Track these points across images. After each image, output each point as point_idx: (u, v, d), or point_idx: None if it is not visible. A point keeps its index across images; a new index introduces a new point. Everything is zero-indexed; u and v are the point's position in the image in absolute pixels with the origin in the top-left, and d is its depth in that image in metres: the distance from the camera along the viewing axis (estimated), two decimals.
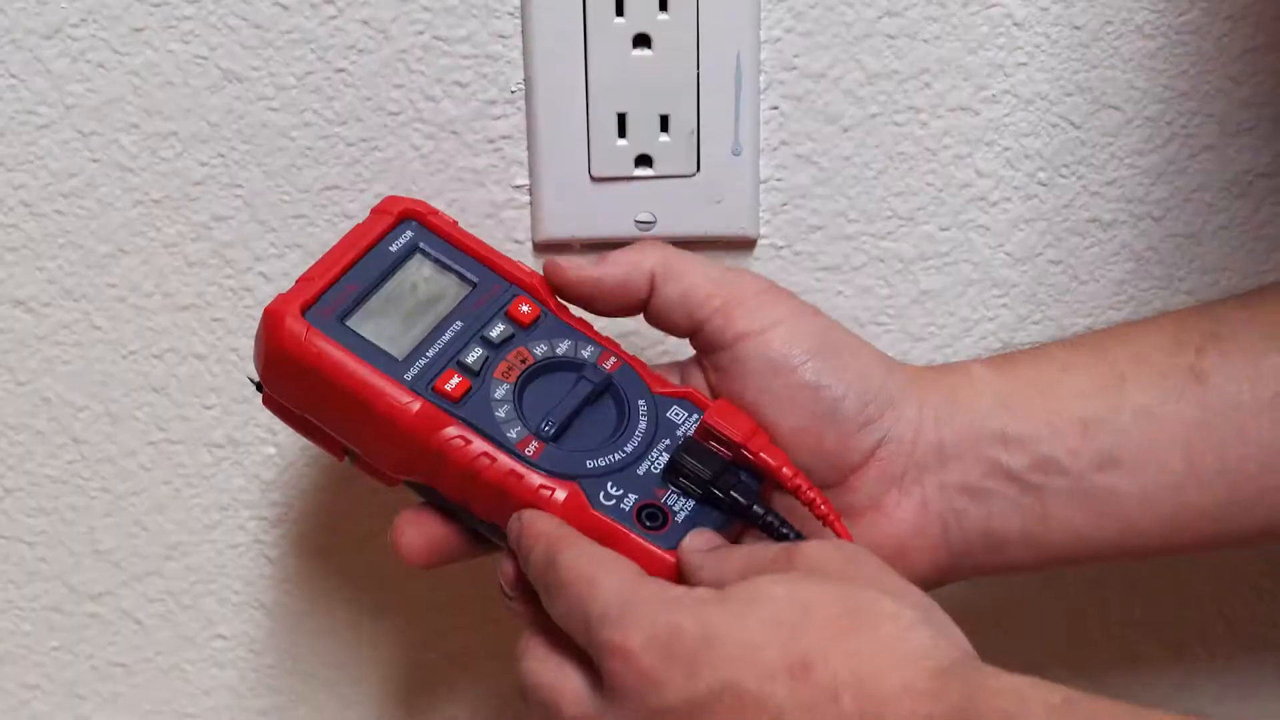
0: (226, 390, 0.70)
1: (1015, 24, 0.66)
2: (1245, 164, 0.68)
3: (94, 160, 0.66)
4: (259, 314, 0.68)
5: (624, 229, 0.67)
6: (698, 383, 0.59)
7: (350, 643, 0.75)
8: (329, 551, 0.73)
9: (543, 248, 0.68)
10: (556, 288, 0.59)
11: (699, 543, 0.54)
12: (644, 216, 0.67)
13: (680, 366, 0.61)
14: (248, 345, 0.69)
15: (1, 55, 0.65)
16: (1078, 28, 0.66)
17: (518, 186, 0.67)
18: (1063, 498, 0.58)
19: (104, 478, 0.71)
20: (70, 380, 0.70)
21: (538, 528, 0.54)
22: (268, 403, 0.58)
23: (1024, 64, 0.66)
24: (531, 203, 0.67)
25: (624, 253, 0.58)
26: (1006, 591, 0.74)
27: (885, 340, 0.70)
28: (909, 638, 0.48)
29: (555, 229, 0.67)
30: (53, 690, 0.75)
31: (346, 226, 0.67)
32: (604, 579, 0.51)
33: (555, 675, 0.53)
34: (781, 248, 0.69)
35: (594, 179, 0.66)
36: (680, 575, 0.54)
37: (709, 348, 0.58)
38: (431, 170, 0.67)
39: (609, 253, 0.58)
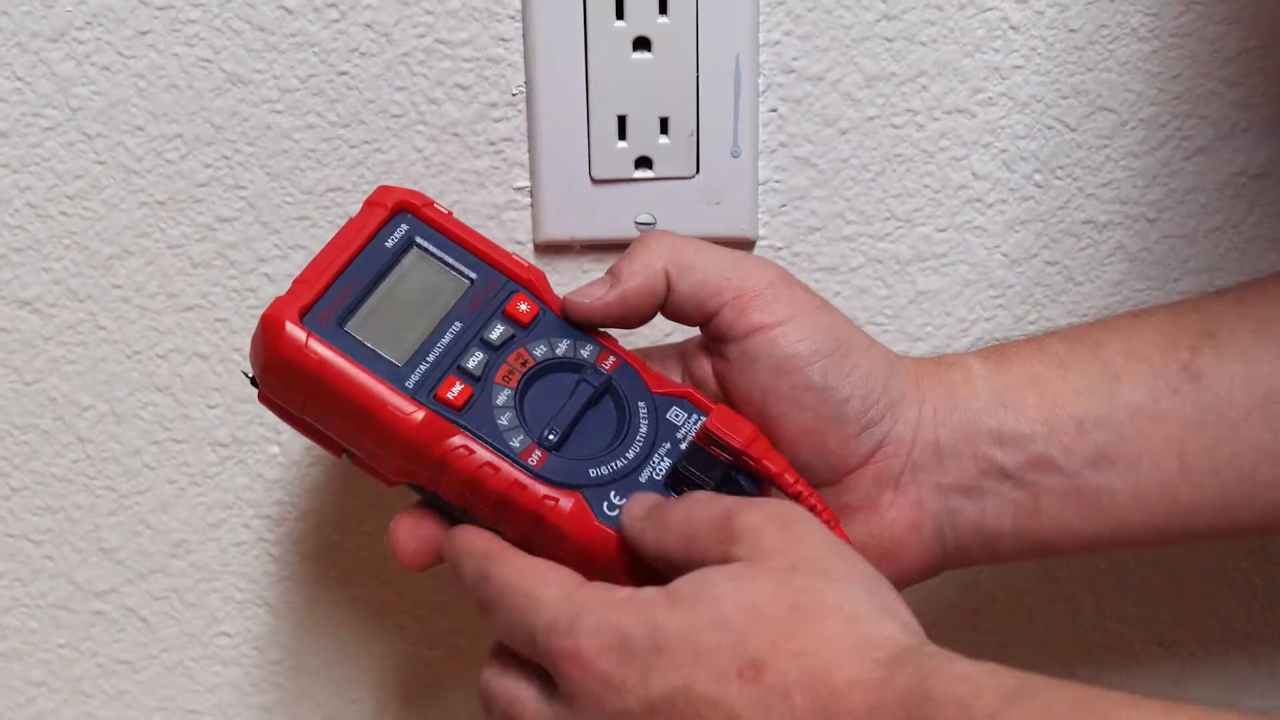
0: (230, 390, 0.70)
1: (1011, 27, 0.66)
2: (1239, 166, 0.69)
3: (99, 162, 0.67)
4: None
5: (624, 230, 0.67)
6: (701, 368, 0.59)
7: (353, 640, 0.75)
8: (332, 550, 0.73)
9: (544, 249, 0.68)
10: (581, 322, 0.58)
11: (637, 509, 0.54)
12: (644, 218, 0.68)
13: (680, 351, 0.60)
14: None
15: (7, 58, 0.65)
16: (1073, 31, 0.66)
17: (519, 188, 0.68)
18: (1055, 494, 0.58)
19: (109, 476, 0.72)
20: (76, 380, 0.70)
21: (465, 542, 0.54)
22: (263, 399, 0.57)
23: (1020, 67, 0.67)
24: (532, 204, 0.68)
25: (633, 259, 0.58)
26: (1001, 589, 0.74)
27: (883, 340, 0.69)
28: (855, 631, 0.48)
29: (556, 230, 0.67)
30: (58, 687, 0.75)
31: None
32: (543, 591, 0.52)
33: (513, 685, 0.53)
34: (780, 249, 0.69)
35: (594, 181, 0.67)
36: (624, 545, 0.54)
37: (719, 338, 0.58)
38: (434, 172, 0.67)
39: (617, 265, 0.58)
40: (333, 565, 0.74)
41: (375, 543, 0.73)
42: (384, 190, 0.59)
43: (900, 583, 0.58)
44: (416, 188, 0.67)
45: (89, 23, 0.65)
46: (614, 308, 0.57)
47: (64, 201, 0.67)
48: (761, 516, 0.51)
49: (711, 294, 0.57)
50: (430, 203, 0.59)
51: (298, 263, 0.68)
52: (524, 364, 0.57)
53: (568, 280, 0.69)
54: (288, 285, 0.68)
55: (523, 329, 0.57)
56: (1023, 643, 0.75)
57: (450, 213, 0.59)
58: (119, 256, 0.68)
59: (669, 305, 0.58)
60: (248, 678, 0.75)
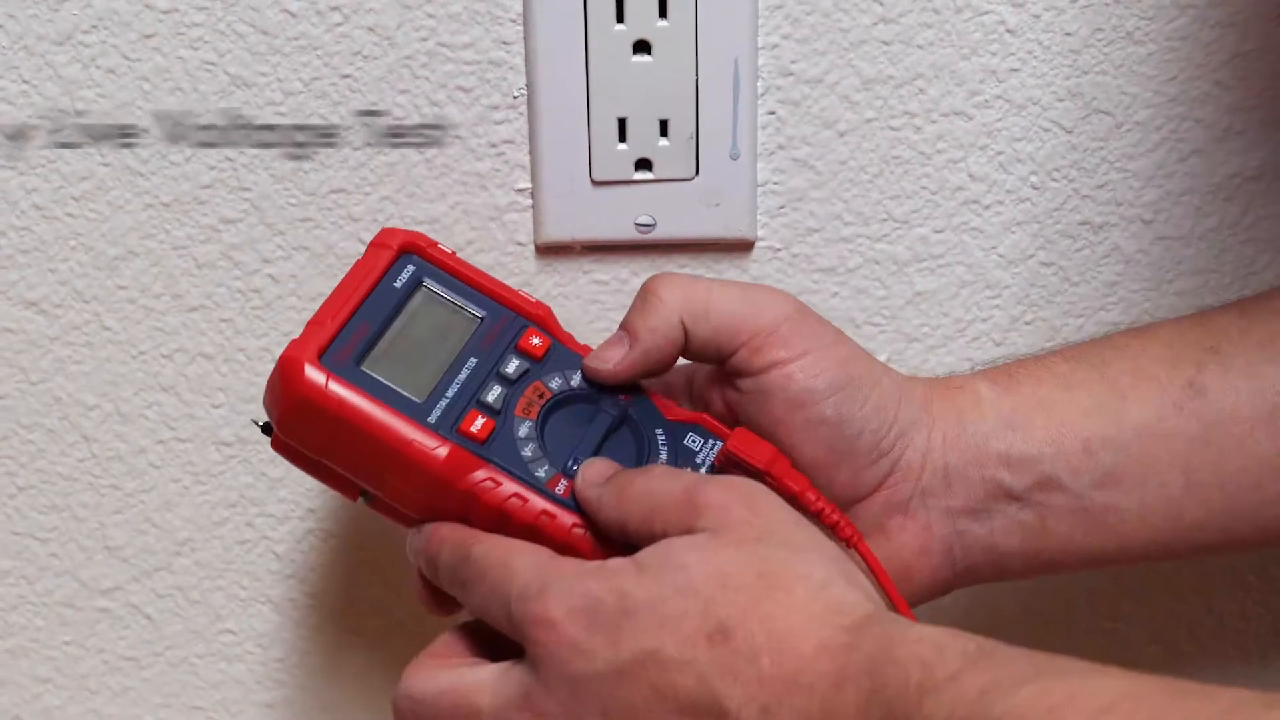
0: (234, 389, 0.71)
1: (1008, 30, 0.66)
2: (1233, 168, 0.69)
3: (104, 164, 0.67)
4: (266, 315, 0.70)
5: (624, 232, 0.68)
6: (712, 399, 0.59)
7: (354, 638, 0.75)
8: (335, 547, 0.74)
9: (544, 250, 0.69)
10: (608, 384, 0.58)
11: (593, 475, 0.55)
12: (644, 219, 0.68)
13: (688, 378, 0.61)
14: (256, 345, 0.70)
15: (14, 61, 0.66)
16: (1069, 34, 0.66)
17: (520, 190, 0.68)
18: (1062, 514, 0.59)
19: (114, 475, 0.72)
20: (81, 380, 0.70)
21: (442, 533, 0.55)
22: (277, 446, 0.57)
23: (1016, 70, 0.67)
24: (534, 206, 0.68)
25: (647, 313, 0.57)
26: (998, 588, 0.74)
27: (880, 340, 0.71)
28: (822, 597, 0.49)
29: (557, 231, 0.68)
30: (64, 684, 0.75)
31: (352, 229, 0.68)
32: (518, 562, 0.52)
33: (457, 677, 0.53)
34: (779, 250, 0.69)
35: (595, 182, 0.67)
36: (582, 509, 0.55)
37: (734, 373, 0.58)
38: (435, 174, 0.68)
39: (630, 322, 0.58)
40: (335, 563, 0.74)
41: (377, 542, 0.73)
42: (387, 232, 0.59)
43: (911, 603, 0.59)
44: (419, 189, 0.68)
45: (94, 26, 0.65)
46: (637, 367, 0.57)
47: (70, 203, 0.68)
48: (726, 492, 0.52)
49: (728, 337, 0.57)
50: (434, 244, 0.59)
51: (301, 263, 0.69)
52: (541, 396, 0.57)
53: (568, 281, 0.69)
54: (292, 285, 0.69)
55: (536, 363, 0.58)
56: (1019, 639, 0.75)
57: (454, 252, 0.60)
58: (124, 258, 0.69)
59: (686, 351, 0.58)
60: (251, 674, 0.75)
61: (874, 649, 0.47)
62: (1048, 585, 0.75)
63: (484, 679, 0.53)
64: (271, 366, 0.69)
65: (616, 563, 0.51)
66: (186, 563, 0.74)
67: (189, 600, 0.74)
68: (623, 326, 0.58)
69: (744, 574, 0.49)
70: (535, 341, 0.58)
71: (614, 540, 0.54)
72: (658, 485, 0.53)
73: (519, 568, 0.52)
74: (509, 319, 0.59)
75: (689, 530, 0.51)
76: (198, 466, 0.72)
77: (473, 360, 0.57)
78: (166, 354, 0.70)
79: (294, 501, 0.73)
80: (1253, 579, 0.75)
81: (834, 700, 0.46)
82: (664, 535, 0.52)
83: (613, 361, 0.57)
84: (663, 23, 0.65)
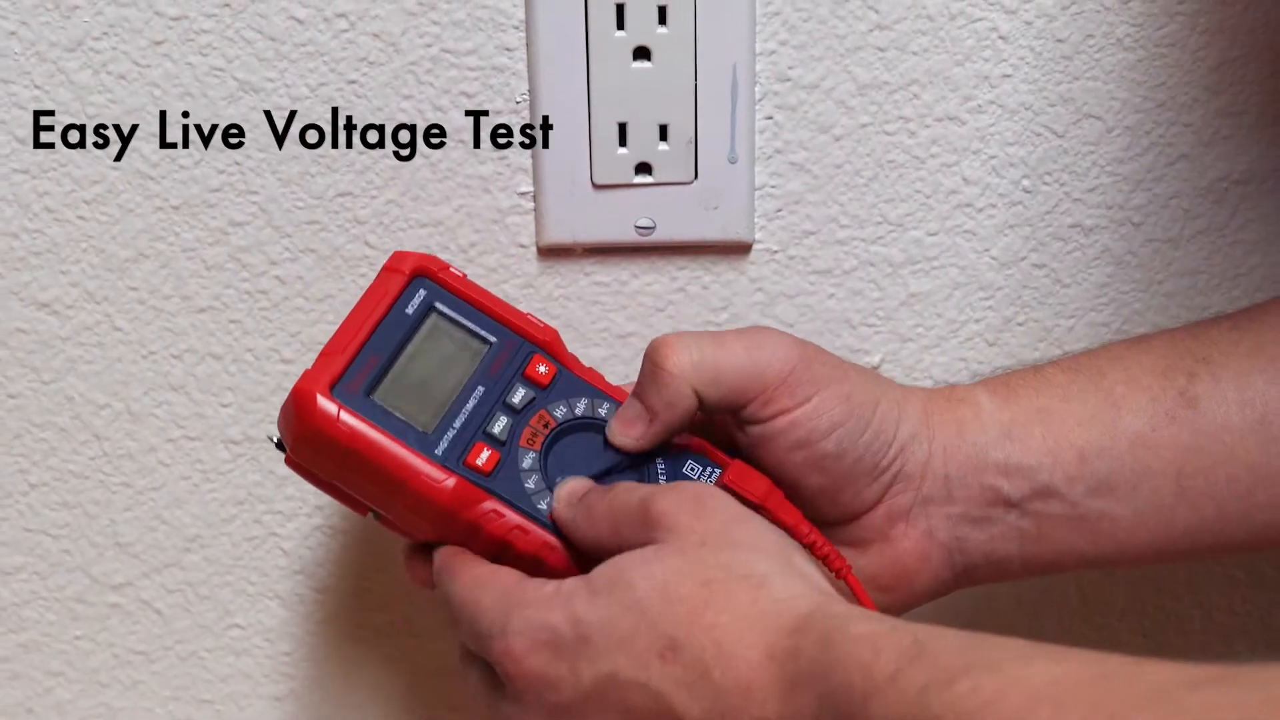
0: (243, 389, 0.71)
1: (1001, 37, 0.67)
2: (1221, 171, 0.69)
3: (115, 168, 0.68)
4: (274, 316, 0.70)
5: (625, 234, 0.68)
6: (715, 438, 0.61)
7: (362, 631, 0.76)
8: (342, 544, 0.74)
9: (546, 252, 0.69)
10: (634, 453, 0.59)
11: (566, 494, 0.56)
12: (644, 222, 0.69)
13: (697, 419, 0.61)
14: (264, 346, 0.71)
15: (26, 66, 0.66)
16: (1061, 40, 0.67)
17: (522, 193, 0.69)
18: (1058, 521, 0.60)
19: (125, 473, 0.73)
20: (92, 379, 0.71)
21: (437, 565, 0.57)
22: (291, 464, 0.58)
23: (1009, 75, 0.68)
24: (535, 209, 0.68)
25: (661, 386, 0.58)
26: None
27: (875, 341, 0.71)
28: (765, 597, 0.50)
29: (558, 234, 0.69)
30: (76, 678, 0.76)
31: (358, 232, 0.69)
32: (484, 599, 0.54)
33: (479, 672, 0.56)
34: (776, 252, 0.70)
35: (596, 186, 0.68)
36: (560, 529, 0.56)
37: (742, 421, 0.59)
38: (439, 177, 0.68)
39: (646, 395, 0.58)
40: (341, 559, 0.74)
41: (382, 537, 0.73)
42: (399, 256, 0.60)
43: (912, 604, 0.61)
44: (423, 192, 0.68)
45: (105, 33, 0.66)
46: (658, 439, 0.59)
47: (81, 206, 0.68)
48: (676, 500, 0.53)
49: (738, 396, 0.58)
50: (445, 266, 0.60)
51: (308, 265, 0.69)
52: (546, 426, 0.58)
53: (569, 282, 0.70)
54: (299, 287, 0.70)
55: (542, 390, 0.59)
56: (1010, 632, 0.76)
57: (465, 275, 0.61)
58: (135, 260, 0.69)
59: (699, 410, 0.59)
60: (259, 668, 0.76)
61: (817, 652, 0.47)
62: (1040, 579, 0.75)
63: (488, 687, 0.55)
64: (277, 366, 0.71)
65: (570, 585, 0.53)
66: (195, 559, 0.74)
67: (198, 596, 0.75)
68: (639, 398, 0.59)
69: (687, 583, 0.50)
70: (542, 369, 0.59)
71: (598, 563, 0.55)
72: (619, 501, 0.55)
73: (485, 605, 0.54)
74: (517, 345, 0.60)
75: (647, 542, 0.53)
76: (206, 464, 0.73)
77: (480, 389, 0.58)
78: (176, 354, 0.71)
79: (301, 498, 0.73)
80: (1240, 575, 0.76)
81: (788, 706, 0.47)
82: (628, 549, 0.53)
83: (634, 437, 0.59)
84: (662, 29, 0.65)
